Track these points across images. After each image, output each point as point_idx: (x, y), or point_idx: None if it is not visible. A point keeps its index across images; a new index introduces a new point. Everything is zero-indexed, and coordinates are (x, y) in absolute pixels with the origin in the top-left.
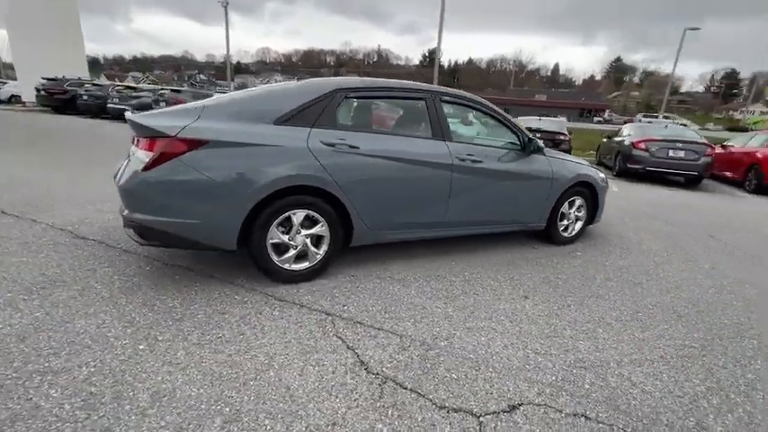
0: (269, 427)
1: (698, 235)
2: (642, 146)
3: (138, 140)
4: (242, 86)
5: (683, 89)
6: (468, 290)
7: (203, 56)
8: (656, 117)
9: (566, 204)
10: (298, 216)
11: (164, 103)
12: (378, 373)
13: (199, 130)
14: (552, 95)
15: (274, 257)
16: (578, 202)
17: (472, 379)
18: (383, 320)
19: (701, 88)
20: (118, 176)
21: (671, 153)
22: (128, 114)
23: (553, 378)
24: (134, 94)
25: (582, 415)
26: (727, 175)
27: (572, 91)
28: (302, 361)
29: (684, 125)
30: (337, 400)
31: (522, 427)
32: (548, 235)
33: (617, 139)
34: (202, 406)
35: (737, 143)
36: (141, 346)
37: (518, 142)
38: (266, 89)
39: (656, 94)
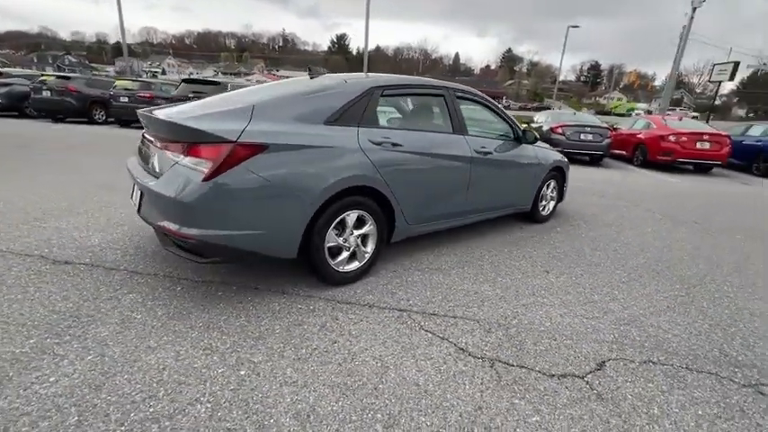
0: (429, 423)
1: (627, 205)
2: (559, 130)
3: (182, 146)
4: (127, 71)
5: (560, 78)
6: (500, 271)
7: (68, 33)
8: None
9: (544, 187)
10: (351, 217)
11: (48, 92)
12: (483, 357)
13: (257, 133)
14: (456, 82)
15: (330, 261)
16: (552, 183)
17: (556, 348)
18: (451, 309)
19: (572, 77)
20: (158, 187)
21: (582, 136)
22: (161, 113)
23: (611, 336)
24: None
25: (649, 361)
26: (619, 153)
27: (473, 79)
28: (410, 357)
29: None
30: (467, 387)
31: (617, 380)
32: (530, 215)
33: (534, 125)
34: (353, 417)
35: (625, 126)
36: (242, 372)
37: (512, 134)
38: (299, 86)
39: (541, 83)
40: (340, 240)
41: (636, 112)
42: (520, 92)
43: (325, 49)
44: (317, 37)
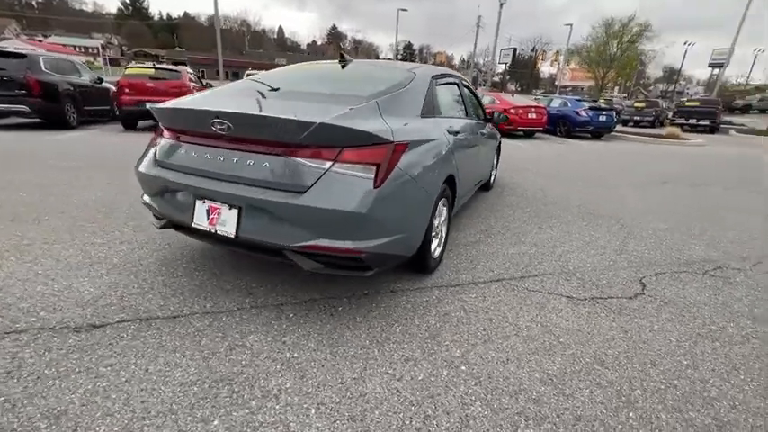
0: (616, 353)
1: (519, 169)
2: None
3: (328, 151)
4: None
5: (381, 56)
6: (516, 234)
7: None
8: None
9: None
10: (440, 205)
11: None
12: (585, 298)
13: (401, 131)
14: (292, 59)
15: (431, 250)
16: (496, 156)
17: (611, 279)
18: (526, 270)
19: (391, 55)
20: (314, 202)
21: None
22: (291, 114)
23: (625, 263)
24: None
25: (658, 273)
26: None
27: (303, 55)
28: (549, 313)
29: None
30: (604, 321)
31: (658, 288)
32: (484, 185)
33: None
34: (577, 367)
35: None
36: (463, 368)
37: (482, 114)
38: (363, 76)
39: None
40: (435, 229)
41: None
42: None
43: (115, 11)
44: None
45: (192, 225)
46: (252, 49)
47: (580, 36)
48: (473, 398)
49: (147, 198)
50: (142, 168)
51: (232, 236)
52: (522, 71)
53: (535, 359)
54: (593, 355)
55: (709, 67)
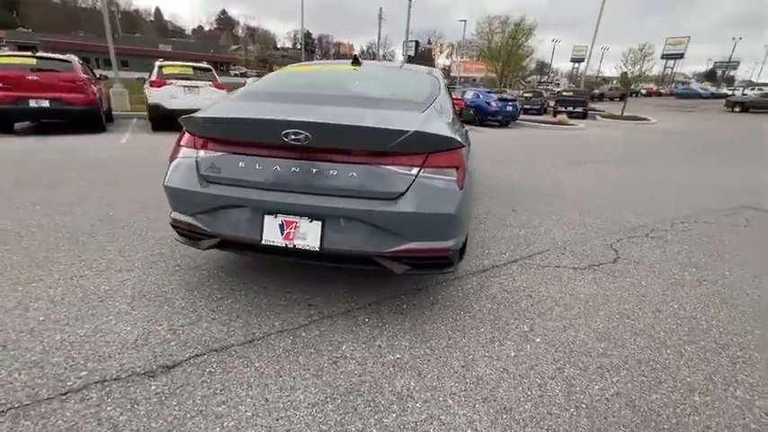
0: (629, 307)
1: None
2: None
3: (413, 157)
4: None
5: (279, 45)
6: (499, 217)
7: None
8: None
9: None
10: None
11: None
12: (585, 267)
13: (460, 134)
14: (178, 46)
15: None
16: None
17: (592, 248)
18: (528, 248)
19: (289, 44)
20: (410, 207)
21: None
22: (332, 119)
23: (594, 234)
24: None
25: (621, 239)
26: None
27: (192, 41)
28: (570, 282)
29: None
30: (610, 283)
31: (625, 251)
32: None
33: None
34: (614, 324)
35: None
36: (537, 339)
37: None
38: (404, 79)
39: (266, 49)
40: None
41: None
42: (249, 58)
43: None
44: None
45: (263, 242)
46: (126, 32)
47: (470, 32)
48: (561, 363)
49: (183, 217)
50: (179, 185)
51: (316, 249)
52: (420, 63)
53: (583, 322)
54: (618, 311)
55: (571, 61)
